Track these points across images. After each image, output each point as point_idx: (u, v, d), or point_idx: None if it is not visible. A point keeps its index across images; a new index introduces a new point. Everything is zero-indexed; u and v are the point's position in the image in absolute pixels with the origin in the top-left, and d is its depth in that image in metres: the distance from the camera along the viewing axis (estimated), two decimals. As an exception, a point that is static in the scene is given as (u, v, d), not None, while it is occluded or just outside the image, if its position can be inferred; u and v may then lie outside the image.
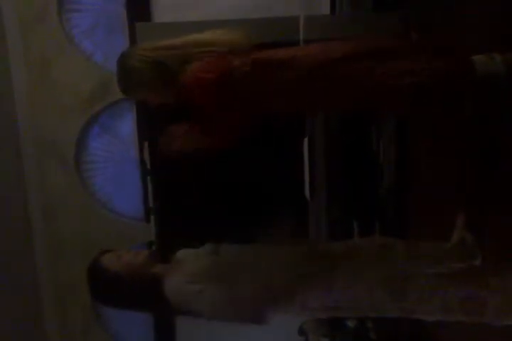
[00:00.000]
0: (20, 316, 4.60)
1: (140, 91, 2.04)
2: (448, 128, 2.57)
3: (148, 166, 3.99)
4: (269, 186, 3.78)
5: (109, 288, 1.91)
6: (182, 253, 2.01)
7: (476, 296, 1.81)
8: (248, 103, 1.88)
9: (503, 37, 2.12)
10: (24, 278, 4.85)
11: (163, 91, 2.00)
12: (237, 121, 1.92)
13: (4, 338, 4.33)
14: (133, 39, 3.59)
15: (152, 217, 4.24)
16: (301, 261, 1.92)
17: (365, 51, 1.94)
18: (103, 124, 4.86)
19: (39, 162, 4.84)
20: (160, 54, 1.95)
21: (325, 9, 3.86)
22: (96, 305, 4.54)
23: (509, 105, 2.00)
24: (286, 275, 1.86)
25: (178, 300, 1.84)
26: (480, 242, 1.89)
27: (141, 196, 4.66)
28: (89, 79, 4.60)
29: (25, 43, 4.57)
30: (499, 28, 2.18)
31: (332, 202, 3.60)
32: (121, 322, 5.15)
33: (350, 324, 3.83)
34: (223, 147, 1.92)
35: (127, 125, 4.79)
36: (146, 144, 3.93)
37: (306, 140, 3.49)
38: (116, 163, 4.94)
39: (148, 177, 4.21)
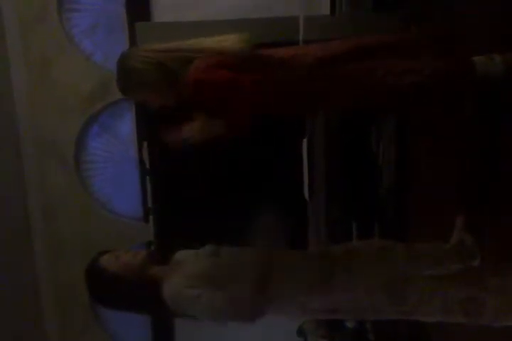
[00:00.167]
0: (20, 316, 4.60)
1: (140, 91, 2.05)
2: (448, 128, 2.57)
3: (148, 166, 3.98)
4: (269, 186, 3.78)
5: (107, 288, 1.90)
6: (182, 254, 2.00)
7: (476, 297, 1.80)
8: (248, 103, 1.88)
9: (503, 37, 2.12)
10: (24, 278, 4.85)
11: (167, 92, 2.01)
12: (237, 121, 1.92)
13: (4, 338, 4.33)
14: (133, 39, 3.58)
15: (151, 217, 4.24)
16: (300, 262, 1.92)
17: (365, 51, 1.95)
18: (103, 124, 4.86)
19: (39, 162, 4.84)
20: (162, 55, 1.96)
21: (325, 9, 3.86)
22: (95, 305, 4.54)
23: (509, 105, 2.00)
24: (286, 276, 1.85)
25: (176, 303, 1.83)
26: (479, 242, 1.89)
27: (140, 196, 4.66)
28: (89, 79, 4.60)
29: (25, 43, 4.57)
30: (499, 28, 2.18)
31: (331, 202, 3.59)
32: (121, 322, 5.14)
33: (349, 325, 3.83)
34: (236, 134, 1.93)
35: (127, 125, 4.79)
36: (145, 144, 3.92)
37: (305, 140, 3.48)
38: (115, 163, 4.94)
39: (148, 177, 4.20)
